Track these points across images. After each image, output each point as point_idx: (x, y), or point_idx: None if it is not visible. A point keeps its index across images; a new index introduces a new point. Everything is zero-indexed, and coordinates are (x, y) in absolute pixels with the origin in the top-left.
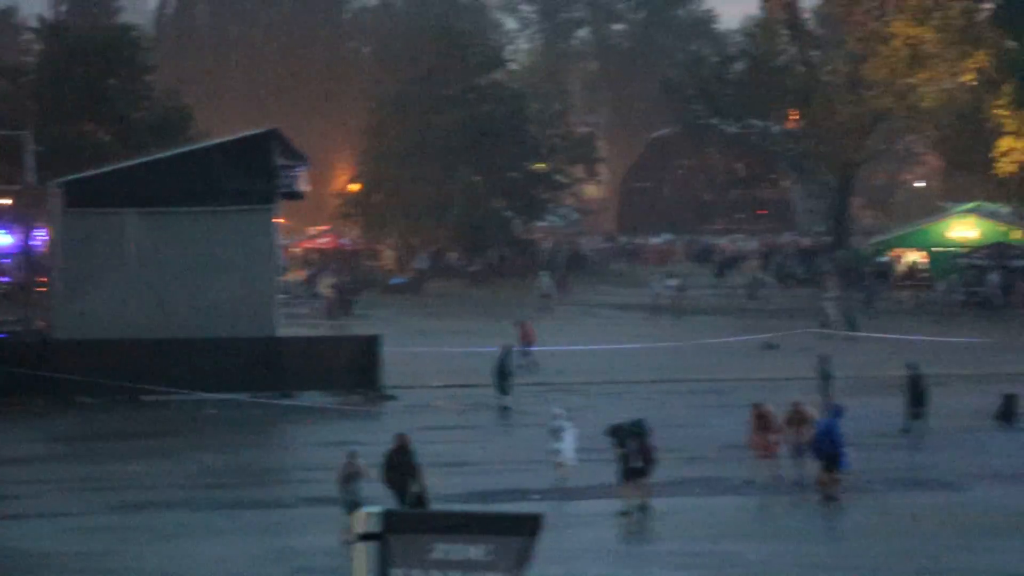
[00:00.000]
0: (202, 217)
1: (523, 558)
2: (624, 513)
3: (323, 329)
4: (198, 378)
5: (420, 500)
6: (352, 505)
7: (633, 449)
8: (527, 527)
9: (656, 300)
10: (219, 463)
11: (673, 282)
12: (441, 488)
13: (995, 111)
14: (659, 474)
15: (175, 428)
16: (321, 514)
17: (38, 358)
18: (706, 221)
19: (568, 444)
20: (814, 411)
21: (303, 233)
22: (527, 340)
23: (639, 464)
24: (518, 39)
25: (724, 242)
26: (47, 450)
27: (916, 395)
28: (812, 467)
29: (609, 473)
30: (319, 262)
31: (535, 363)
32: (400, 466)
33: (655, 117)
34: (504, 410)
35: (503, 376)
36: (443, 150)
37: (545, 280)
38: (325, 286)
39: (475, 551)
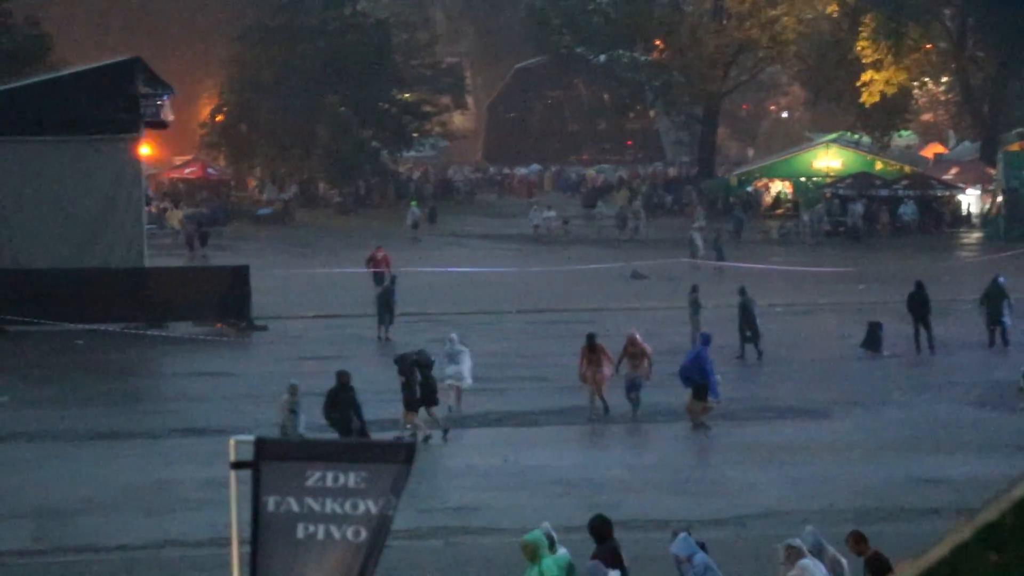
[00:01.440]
0: (65, 146)
1: (397, 485)
2: (426, 438)
3: (185, 261)
4: (65, 309)
5: (363, 435)
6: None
7: (416, 379)
8: (401, 455)
9: (536, 232)
10: (88, 394)
11: (551, 213)
12: (317, 419)
13: (858, 42)
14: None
15: (42, 359)
16: (193, 445)
17: None
18: (573, 152)
19: (465, 367)
20: (648, 345)
21: (169, 163)
22: (378, 267)
23: (419, 393)
24: None
25: (592, 172)
26: None
27: (747, 321)
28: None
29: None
30: (171, 194)
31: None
32: (342, 403)
33: (521, 47)
34: (384, 341)
35: (387, 307)
36: (308, 80)
37: (414, 209)
38: (175, 219)
39: (349, 478)
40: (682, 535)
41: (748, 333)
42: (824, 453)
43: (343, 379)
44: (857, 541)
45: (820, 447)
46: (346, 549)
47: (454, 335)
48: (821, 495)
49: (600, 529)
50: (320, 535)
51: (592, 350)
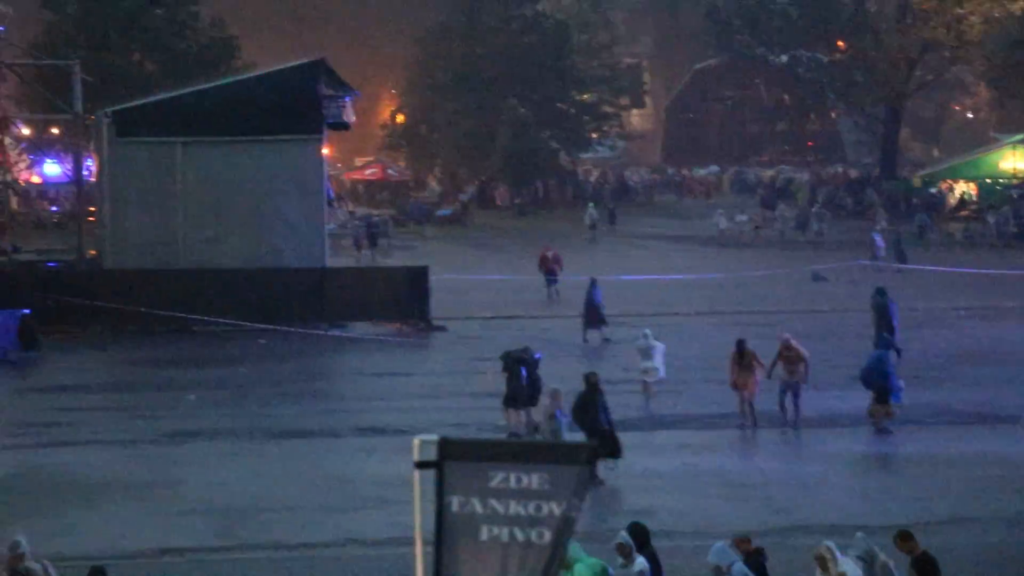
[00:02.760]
0: (249, 147)
1: (581, 487)
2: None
3: (353, 261)
4: (247, 309)
5: (612, 437)
6: None
7: (522, 376)
8: (583, 456)
9: (722, 235)
10: (269, 393)
11: (743, 217)
12: (496, 419)
13: None
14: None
15: (225, 358)
16: (372, 443)
17: (89, 287)
18: (752, 153)
19: (659, 361)
20: (804, 349)
21: (350, 164)
22: (549, 269)
23: (524, 391)
24: None
25: (771, 174)
26: (99, 378)
27: (883, 321)
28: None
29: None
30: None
31: (556, 292)
32: (591, 405)
33: (701, 47)
34: (606, 341)
35: (593, 308)
36: (488, 81)
37: (592, 211)
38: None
39: (533, 479)
40: (719, 544)
41: (884, 334)
42: (1009, 460)
43: (592, 380)
44: (905, 540)
45: (1004, 454)
46: (530, 551)
47: (647, 330)
48: (1007, 502)
49: (639, 535)
50: (504, 537)
51: (742, 356)
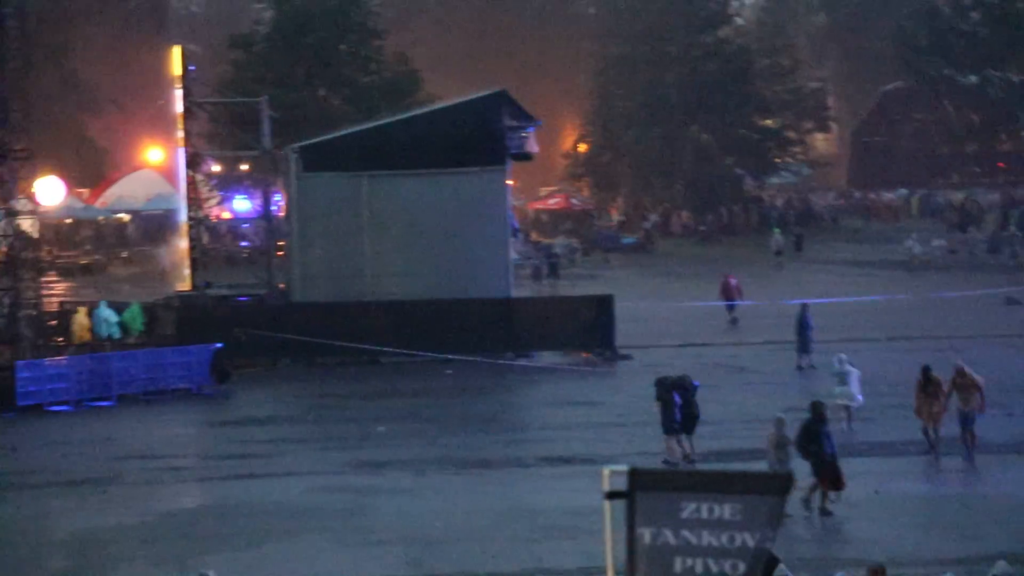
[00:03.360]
0: (433, 179)
1: (774, 518)
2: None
3: (540, 290)
4: (434, 340)
5: (834, 468)
6: None
7: (677, 403)
8: (778, 486)
9: (915, 259)
10: (458, 423)
11: (941, 242)
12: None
13: None
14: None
15: (413, 389)
16: (560, 473)
17: (279, 321)
18: (941, 175)
19: (854, 386)
20: (979, 377)
21: (534, 194)
22: (729, 296)
23: (680, 418)
24: None
25: (961, 196)
26: (289, 411)
27: None
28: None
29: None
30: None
31: (736, 320)
32: (815, 435)
33: (887, 69)
34: (800, 369)
35: (803, 333)
36: (671, 109)
37: (777, 237)
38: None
39: (725, 510)
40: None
41: None
42: None
43: (819, 411)
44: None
45: None
46: None
47: (843, 355)
48: None
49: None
50: (699, 568)
51: (928, 383)
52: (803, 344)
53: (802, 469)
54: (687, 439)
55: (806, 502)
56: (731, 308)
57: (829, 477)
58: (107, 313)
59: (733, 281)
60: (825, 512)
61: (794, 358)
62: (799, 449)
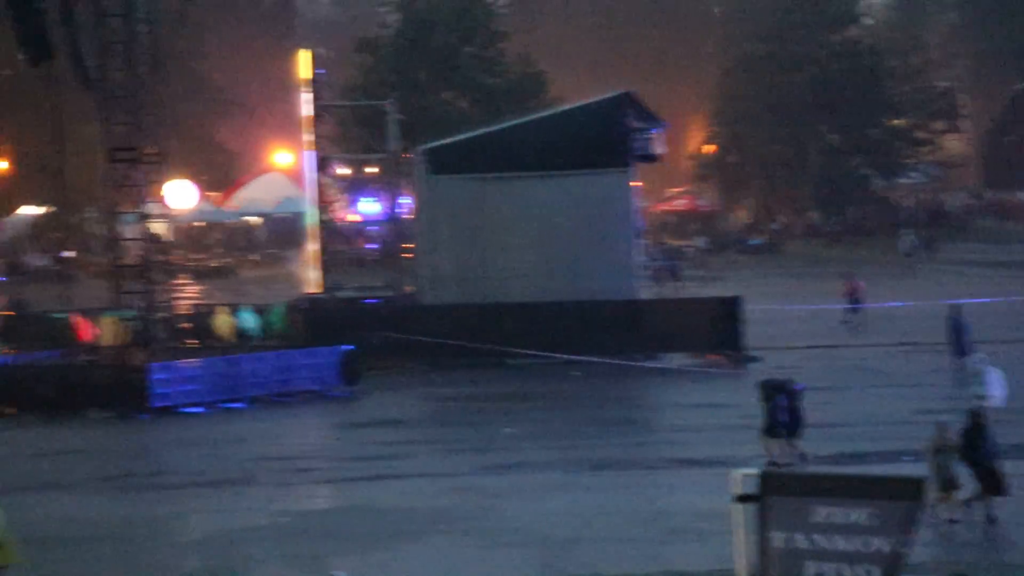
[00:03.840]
0: (560, 181)
1: (908, 523)
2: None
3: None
4: (562, 341)
5: (994, 474)
6: (943, 480)
7: (781, 405)
8: (911, 491)
9: None
10: (585, 424)
11: None
12: (813, 450)
13: None
14: None
15: (541, 391)
16: (688, 475)
17: (407, 323)
18: None
19: (996, 388)
20: None
21: (661, 195)
22: (854, 297)
23: (784, 420)
24: None
25: None
26: (418, 413)
27: None
28: None
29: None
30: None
31: (863, 322)
32: (978, 440)
33: (1019, 68)
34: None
35: (959, 335)
36: (798, 109)
37: (907, 238)
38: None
39: (858, 515)
40: None
41: None
42: None
43: (979, 416)
44: None
45: None
46: None
47: (981, 354)
48: None
49: None
50: (831, 573)
51: None
52: (960, 347)
53: (965, 474)
54: (793, 442)
55: (967, 506)
56: (855, 311)
57: (992, 482)
58: (249, 315)
59: (856, 282)
60: (991, 519)
61: (948, 361)
62: (961, 455)
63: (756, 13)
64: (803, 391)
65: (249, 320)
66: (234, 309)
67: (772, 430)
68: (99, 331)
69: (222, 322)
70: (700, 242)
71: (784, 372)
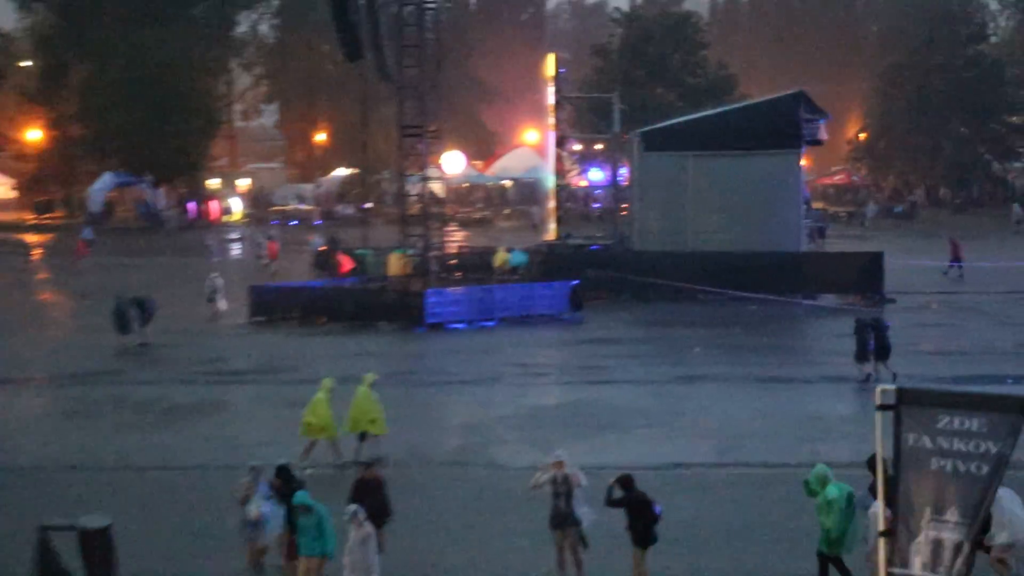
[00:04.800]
0: (743, 159)
1: (1014, 432)
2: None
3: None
4: (741, 282)
5: None
6: None
7: (868, 337)
8: (1017, 406)
9: None
10: (756, 347)
11: None
12: (931, 372)
13: None
14: None
15: (723, 320)
16: (838, 389)
17: (621, 264)
18: None
19: None
20: None
21: (822, 172)
22: (956, 256)
23: (873, 348)
24: (999, 16)
25: None
26: (627, 334)
27: None
28: None
29: None
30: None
31: (960, 276)
32: None
33: None
34: None
35: None
36: (935, 106)
37: (1016, 209)
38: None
39: (974, 423)
40: None
41: None
42: None
43: None
44: None
45: None
46: (970, 480)
47: None
48: None
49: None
50: (949, 468)
51: None
52: None
53: None
54: (881, 365)
55: None
56: (955, 266)
57: None
58: (519, 254)
59: (958, 243)
60: None
61: None
62: None
63: (905, 29)
64: (889, 327)
65: (519, 257)
66: (508, 249)
67: (861, 355)
68: (354, 265)
69: (500, 258)
70: (868, 210)
71: (914, 311)
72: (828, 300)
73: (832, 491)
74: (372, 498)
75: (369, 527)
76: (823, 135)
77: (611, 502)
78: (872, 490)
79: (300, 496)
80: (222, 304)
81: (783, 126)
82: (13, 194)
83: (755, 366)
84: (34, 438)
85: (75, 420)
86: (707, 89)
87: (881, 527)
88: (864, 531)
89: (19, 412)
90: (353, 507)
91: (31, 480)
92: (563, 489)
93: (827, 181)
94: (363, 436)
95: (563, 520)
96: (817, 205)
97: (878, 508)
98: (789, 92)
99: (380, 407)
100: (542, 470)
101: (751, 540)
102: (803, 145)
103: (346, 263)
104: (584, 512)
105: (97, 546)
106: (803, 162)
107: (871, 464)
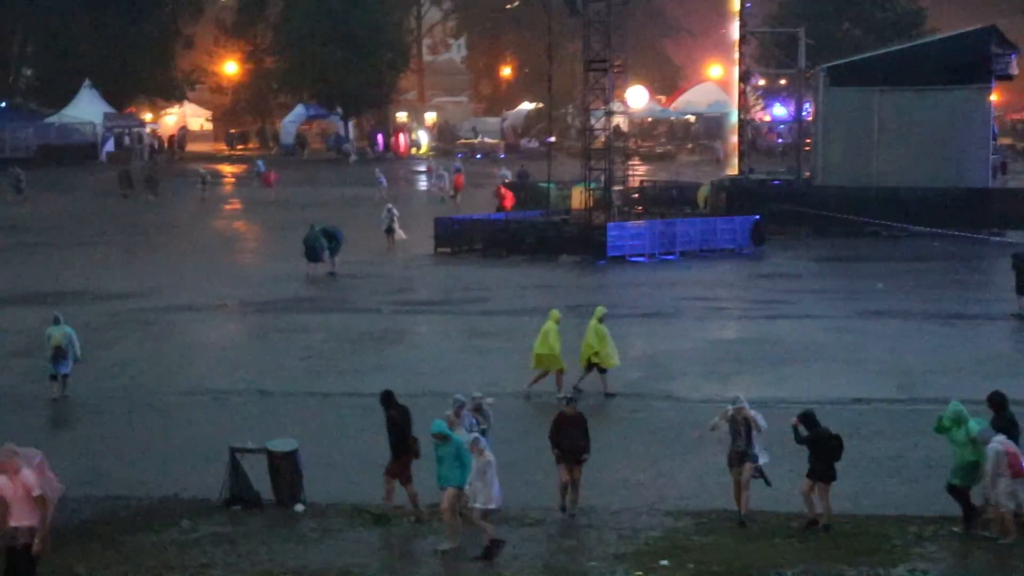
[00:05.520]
0: (931, 94)
1: None
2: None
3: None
4: (924, 218)
5: None
6: None
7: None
8: None
9: None
10: (939, 284)
11: None
12: None
13: None
14: None
15: (906, 256)
16: (1020, 327)
17: (803, 199)
18: None
19: None
20: None
21: (1012, 107)
22: None
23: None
24: None
25: None
26: (807, 268)
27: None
28: None
29: None
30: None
31: None
32: None
33: None
34: None
35: None
36: None
37: None
38: None
39: None
40: None
41: None
42: None
43: None
44: None
45: None
46: None
47: None
48: None
49: (995, 401)
50: None
51: None
52: None
53: None
54: None
55: None
56: None
57: None
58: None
59: None
60: None
61: None
62: None
63: None
64: None
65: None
66: (701, 185)
67: (1020, 289)
68: (515, 200)
69: (702, 194)
70: None
71: None
72: (1016, 236)
73: (974, 427)
74: (571, 433)
75: (489, 455)
76: (1014, 69)
77: (800, 440)
78: (994, 425)
79: (437, 425)
80: (400, 234)
81: (973, 60)
82: (209, 126)
83: (938, 302)
84: (226, 363)
85: (264, 345)
86: (895, 23)
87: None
88: (984, 465)
89: (212, 338)
90: (472, 435)
91: (223, 403)
92: (743, 429)
93: (1017, 116)
94: (590, 367)
95: (740, 458)
96: (1005, 141)
97: (997, 444)
98: (980, 26)
99: (609, 339)
100: (722, 416)
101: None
102: (993, 80)
103: (509, 198)
104: (761, 454)
105: (285, 469)
106: (993, 97)
107: (992, 400)
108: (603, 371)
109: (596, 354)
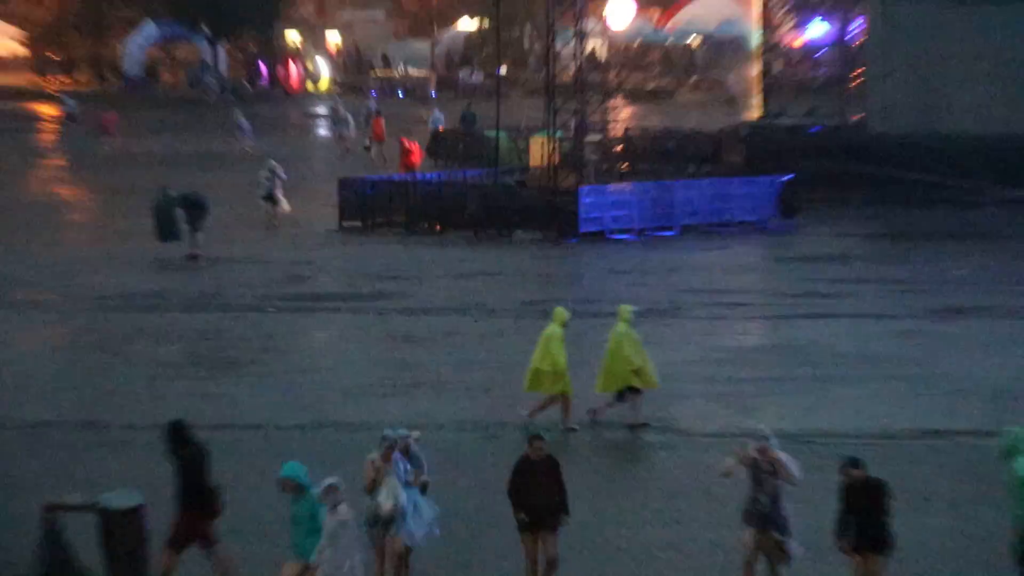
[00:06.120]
0: (1020, 7)
1: None
2: None
3: None
4: (1020, 178)
5: None
6: None
7: None
8: None
9: None
10: None
11: None
12: None
13: None
14: None
15: (997, 230)
16: None
17: (851, 153)
18: None
19: None
20: None
21: None
22: None
23: None
24: None
25: None
26: (859, 248)
27: None
28: None
29: None
30: None
31: None
32: None
33: None
34: None
35: None
36: None
37: None
38: None
39: None
40: None
41: None
42: None
43: None
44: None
45: None
46: None
47: None
48: None
49: None
50: None
51: None
52: None
53: None
54: None
55: None
56: None
57: None
58: None
59: None
60: None
61: None
62: None
63: None
64: None
65: None
66: None
67: None
68: (422, 155)
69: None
70: None
71: None
72: None
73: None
74: (540, 485)
75: (345, 512)
76: None
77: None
78: None
79: (290, 468)
80: (284, 204)
81: None
82: (23, 51)
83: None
84: (43, 384)
85: (98, 359)
86: None
87: None
88: None
89: (23, 347)
90: (327, 481)
91: (33, 441)
92: (767, 477)
93: None
94: (622, 394)
95: (763, 519)
96: None
97: None
98: None
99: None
100: (739, 454)
101: None
102: None
103: (415, 152)
104: (792, 542)
105: (123, 534)
106: None
107: None
108: (637, 392)
109: (636, 372)
